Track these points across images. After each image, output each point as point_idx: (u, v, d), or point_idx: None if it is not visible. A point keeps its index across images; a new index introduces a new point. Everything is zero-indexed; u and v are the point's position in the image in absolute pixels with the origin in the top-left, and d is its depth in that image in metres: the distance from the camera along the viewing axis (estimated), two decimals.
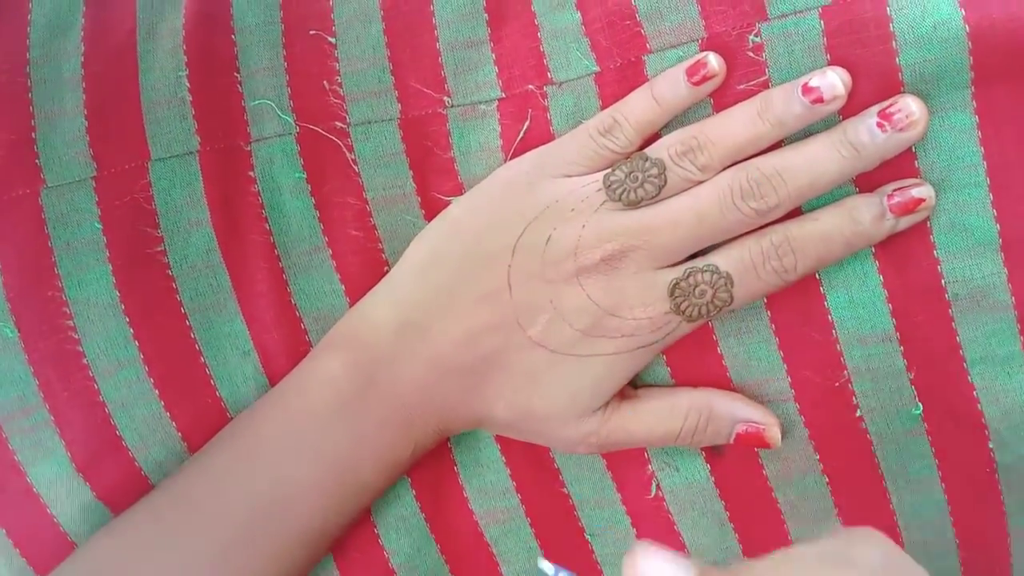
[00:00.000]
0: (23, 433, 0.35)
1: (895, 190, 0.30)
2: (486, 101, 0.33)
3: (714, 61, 0.30)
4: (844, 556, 0.22)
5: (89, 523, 0.35)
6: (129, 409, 0.34)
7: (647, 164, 0.30)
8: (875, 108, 0.29)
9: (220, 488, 0.33)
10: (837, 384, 0.32)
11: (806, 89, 0.29)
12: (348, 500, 0.33)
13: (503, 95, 0.33)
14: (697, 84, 0.31)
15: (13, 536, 0.35)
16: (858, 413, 0.32)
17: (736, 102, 0.31)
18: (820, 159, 0.29)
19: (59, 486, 0.35)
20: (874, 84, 0.30)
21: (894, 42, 0.29)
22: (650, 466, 0.34)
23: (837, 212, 0.30)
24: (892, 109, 0.29)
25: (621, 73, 0.32)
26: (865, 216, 0.30)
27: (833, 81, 0.29)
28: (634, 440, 0.33)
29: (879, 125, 0.29)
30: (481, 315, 0.32)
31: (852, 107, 0.30)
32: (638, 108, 0.31)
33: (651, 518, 0.35)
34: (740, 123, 0.30)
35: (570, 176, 0.32)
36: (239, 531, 0.32)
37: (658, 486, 0.34)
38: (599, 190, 0.31)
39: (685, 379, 0.33)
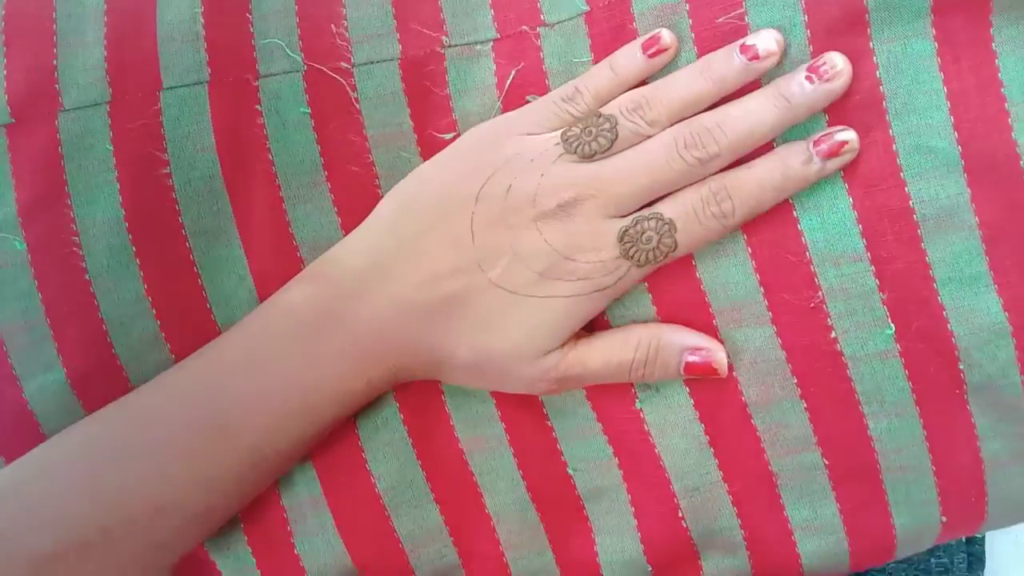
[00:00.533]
0: (23, 347, 0.36)
1: (821, 136, 0.32)
2: (482, 41, 0.36)
3: (667, 36, 0.33)
4: None
5: None
6: (126, 327, 0.36)
7: (600, 120, 0.33)
8: (804, 64, 0.32)
9: (166, 399, 0.34)
10: (812, 305, 0.33)
11: (743, 48, 0.32)
12: (294, 425, 0.34)
13: (498, 36, 0.36)
14: (652, 56, 0.34)
15: (3, 450, 0.36)
16: (832, 335, 0.33)
17: (715, 36, 0.33)
18: (755, 110, 0.32)
19: (53, 402, 0.36)
20: (841, 12, 0.32)
21: None
22: (632, 390, 0.35)
23: (769, 158, 0.33)
24: (819, 63, 0.32)
25: (608, 12, 0.34)
26: (794, 160, 0.32)
27: (768, 40, 0.32)
28: (590, 374, 0.34)
29: (808, 78, 0.32)
30: (444, 258, 0.33)
31: (822, 35, 0.32)
32: (598, 78, 0.34)
33: (633, 445, 0.35)
34: (685, 81, 0.33)
35: (533, 135, 0.34)
36: (174, 439, 0.33)
37: (640, 411, 0.35)
38: (557, 144, 0.33)
39: (667, 306, 0.34)
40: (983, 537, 0.47)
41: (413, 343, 0.34)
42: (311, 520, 0.36)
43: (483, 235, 0.33)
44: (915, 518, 0.35)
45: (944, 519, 0.35)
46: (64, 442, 0.34)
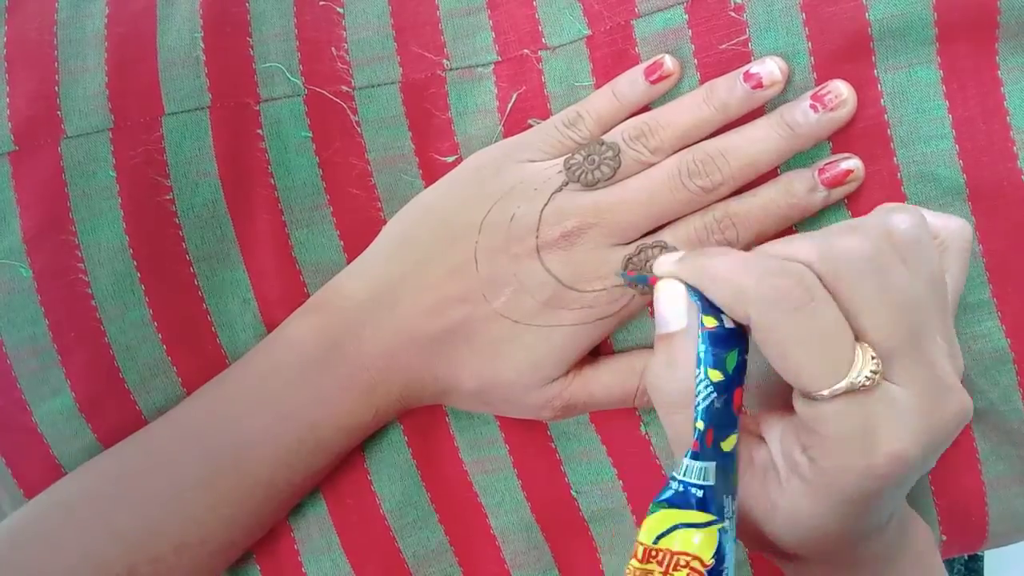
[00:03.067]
0: (31, 372, 0.36)
1: (826, 164, 0.32)
2: (483, 64, 0.35)
3: (669, 62, 0.33)
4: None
5: None
6: (133, 352, 0.36)
7: (603, 148, 0.33)
8: (808, 92, 0.32)
9: (181, 437, 0.35)
10: None
11: (747, 76, 0.32)
12: (304, 456, 0.34)
13: (499, 59, 0.35)
14: (655, 82, 0.33)
15: (17, 475, 0.37)
16: None
17: (718, 62, 0.33)
18: (759, 139, 0.32)
19: (62, 426, 0.36)
20: (846, 39, 0.32)
21: None
22: (637, 413, 0.35)
23: (774, 186, 0.32)
24: (823, 91, 0.32)
25: (610, 36, 0.34)
26: (799, 188, 0.32)
27: (771, 68, 0.32)
28: (595, 402, 0.34)
29: (812, 107, 0.32)
30: (448, 288, 0.33)
31: (827, 62, 0.32)
32: (600, 103, 0.34)
33: (638, 469, 0.36)
34: (687, 108, 0.33)
35: (535, 161, 0.34)
36: (194, 478, 0.34)
37: (646, 435, 0.35)
38: (560, 172, 0.33)
39: None
40: None
41: (418, 372, 0.34)
42: (318, 540, 0.37)
43: (487, 264, 0.33)
44: None
45: (944, 538, 0.35)
46: (84, 480, 0.35)
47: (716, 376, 0.26)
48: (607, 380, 0.34)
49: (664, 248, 0.32)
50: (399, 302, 0.34)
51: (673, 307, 0.27)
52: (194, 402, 0.35)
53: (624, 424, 0.36)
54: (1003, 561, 0.54)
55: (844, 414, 0.24)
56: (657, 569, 0.25)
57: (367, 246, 0.36)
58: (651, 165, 0.33)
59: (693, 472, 0.26)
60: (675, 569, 0.25)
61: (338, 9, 0.36)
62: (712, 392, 0.26)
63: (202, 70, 0.36)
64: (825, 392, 0.24)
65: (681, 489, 0.26)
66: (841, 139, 0.32)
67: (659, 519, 0.25)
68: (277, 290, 0.36)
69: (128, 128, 0.36)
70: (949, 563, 0.44)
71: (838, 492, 0.25)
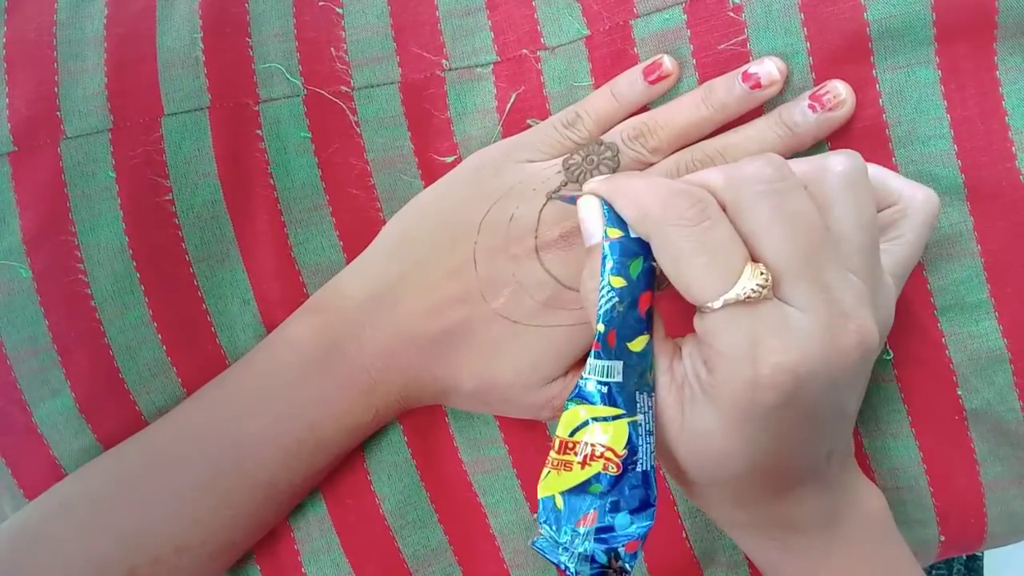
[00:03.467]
0: (31, 372, 0.36)
1: (817, 91, 0.32)
2: (482, 64, 0.35)
3: (668, 62, 0.33)
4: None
5: None
6: (132, 352, 0.36)
7: (602, 148, 0.33)
8: (807, 92, 0.32)
9: (181, 439, 0.35)
10: None
11: (745, 76, 0.32)
12: (304, 456, 0.35)
13: (498, 59, 0.35)
14: (653, 82, 0.33)
15: (17, 475, 0.37)
16: None
17: (717, 62, 0.33)
18: (757, 138, 0.32)
19: (62, 426, 0.36)
20: (844, 40, 0.32)
21: None
22: None
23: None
24: (822, 91, 0.32)
25: (609, 36, 0.34)
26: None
27: (770, 68, 0.32)
28: None
29: (810, 106, 0.32)
30: (448, 288, 0.33)
31: (825, 62, 0.32)
32: (599, 103, 0.34)
33: None
34: (686, 108, 0.33)
35: (534, 162, 0.34)
36: (195, 479, 0.34)
37: None
38: (559, 172, 0.33)
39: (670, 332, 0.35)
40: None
41: (417, 373, 0.34)
42: (318, 540, 0.37)
43: (486, 265, 0.33)
44: (912, 536, 0.35)
45: (943, 538, 0.35)
46: (85, 482, 0.35)
47: (618, 282, 0.27)
48: None
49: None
50: (398, 302, 0.34)
51: (592, 221, 0.28)
52: (194, 403, 0.36)
53: None
54: (1003, 561, 0.54)
55: (731, 324, 0.26)
56: (575, 459, 0.27)
57: (366, 246, 0.36)
58: (650, 165, 0.33)
59: (596, 370, 0.27)
60: (592, 460, 0.27)
61: (337, 9, 0.36)
62: (613, 296, 0.27)
63: (201, 71, 0.36)
64: (713, 304, 0.26)
65: (586, 387, 0.27)
66: (839, 138, 0.32)
67: (572, 414, 0.27)
68: (277, 290, 0.36)
69: (127, 129, 0.36)
70: (949, 563, 0.44)
71: (731, 404, 0.26)
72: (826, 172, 0.27)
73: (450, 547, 0.37)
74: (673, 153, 0.33)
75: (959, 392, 0.33)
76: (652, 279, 0.28)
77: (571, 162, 0.33)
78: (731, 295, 0.25)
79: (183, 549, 0.33)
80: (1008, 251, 0.32)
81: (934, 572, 0.43)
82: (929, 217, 0.29)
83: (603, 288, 0.27)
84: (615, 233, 0.28)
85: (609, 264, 0.27)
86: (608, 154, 0.33)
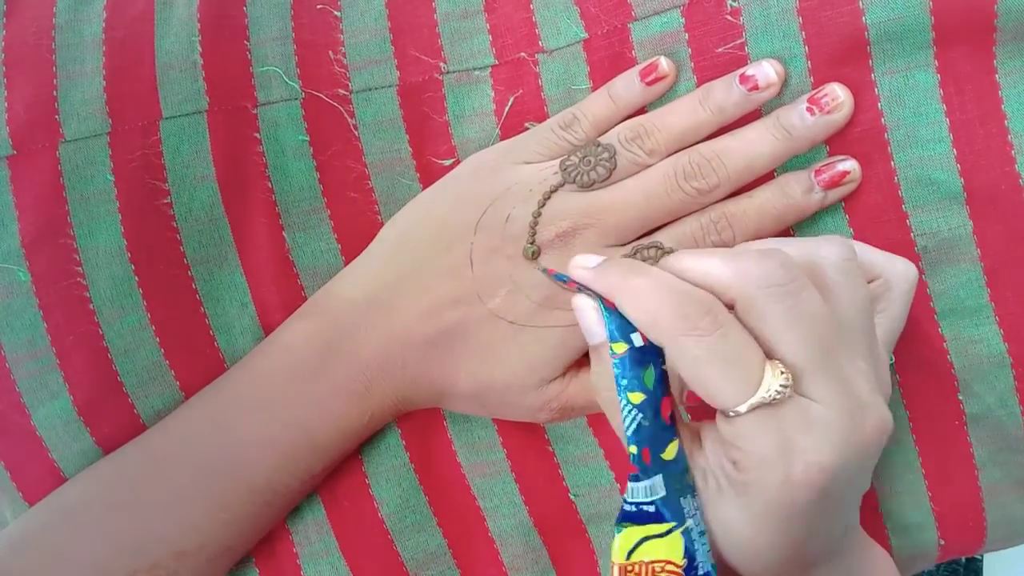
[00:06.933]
0: (30, 376, 0.36)
1: (822, 165, 0.32)
2: (480, 67, 0.35)
3: (665, 64, 0.33)
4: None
5: None
6: (131, 355, 0.36)
7: (599, 149, 0.33)
8: (805, 95, 0.32)
9: (179, 443, 0.35)
10: None
11: (743, 78, 0.32)
12: (301, 460, 0.35)
13: (496, 62, 0.35)
14: (650, 84, 0.33)
15: (16, 478, 0.37)
16: None
17: (715, 66, 0.33)
18: (755, 141, 0.32)
19: (61, 430, 0.36)
20: (843, 43, 0.32)
21: (861, 2, 0.31)
22: None
23: (770, 187, 0.32)
24: (820, 94, 0.32)
25: (607, 39, 0.34)
26: (795, 190, 0.32)
27: (768, 71, 0.32)
28: (593, 403, 0.34)
29: (808, 109, 0.32)
30: (444, 289, 0.33)
31: (823, 65, 0.32)
32: (596, 105, 0.34)
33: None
34: (684, 110, 0.33)
35: (531, 163, 0.34)
36: (192, 484, 0.34)
37: None
38: (556, 173, 0.33)
39: None
40: None
41: (414, 375, 0.34)
42: (317, 543, 0.37)
43: (482, 265, 0.33)
44: (911, 540, 0.35)
45: (942, 542, 0.35)
46: (83, 487, 0.35)
47: (637, 398, 0.27)
48: (606, 382, 0.34)
49: (660, 249, 0.32)
50: (394, 304, 0.34)
51: (590, 322, 0.29)
52: (191, 408, 0.35)
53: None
54: (1003, 561, 0.54)
55: (760, 428, 0.25)
56: None
57: (364, 248, 0.36)
58: (647, 167, 0.33)
59: (639, 492, 0.27)
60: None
61: (335, 13, 0.36)
62: (638, 415, 0.27)
63: (199, 74, 0.36)
64: (739, 409, 0.25)
65: (634, 509, 0.27)
66: (838, 142, 0.32)
67: (625, 537, 0.27)
68: (275, 293, 0.36)
69: (126, 132, 0.36)
70: (948, 563, 0.44)
71: (763, 503, 0.26)
72: (823, 262, 0.27)
73: (449, 550, 0.37)
74: (671, 155, 0.33)
75: (960, 397, 0.33)
76: (667, 383, 0.28)
77: (568, 163, 0.33)
78: (756, 399, 0.25)
79: (181, 554, 0.33)
80: (1008, 255, 0.32)
81: (941, 569, 0.43)
82: (910, 286, 0.30)
83: (624, 408, 0.27)
84: (621, 348, 0.27)
85: (624, 382, 0.27)
86: (605, 155, 0.33)
